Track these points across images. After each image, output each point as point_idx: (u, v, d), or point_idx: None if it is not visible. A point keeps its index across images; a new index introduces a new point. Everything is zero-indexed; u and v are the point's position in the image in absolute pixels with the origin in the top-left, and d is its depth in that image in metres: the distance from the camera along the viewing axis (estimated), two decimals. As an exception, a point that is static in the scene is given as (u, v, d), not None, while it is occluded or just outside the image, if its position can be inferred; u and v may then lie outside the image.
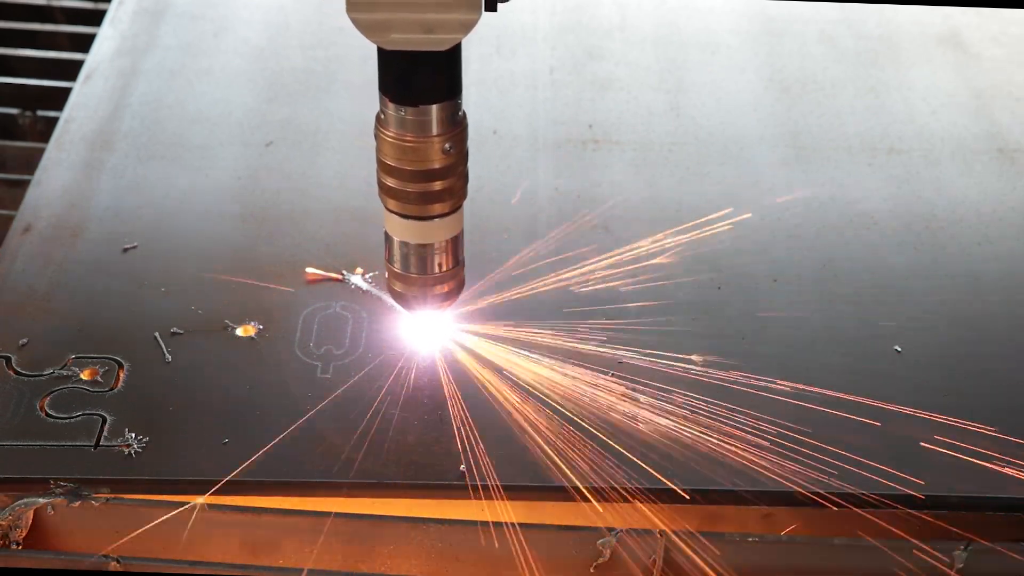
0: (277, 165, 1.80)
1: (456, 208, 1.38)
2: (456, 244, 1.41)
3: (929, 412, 1.49)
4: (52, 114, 1.98)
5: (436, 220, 1.37)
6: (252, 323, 1.56)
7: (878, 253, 1.69)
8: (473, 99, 1.92)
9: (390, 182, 1.35)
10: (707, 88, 1.95)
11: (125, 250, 1.66)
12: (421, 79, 1.29)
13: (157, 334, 1.54)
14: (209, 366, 1.51)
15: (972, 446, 1.45)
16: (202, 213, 1.72)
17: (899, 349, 1.56)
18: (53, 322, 1.56)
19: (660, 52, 2.01)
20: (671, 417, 1.46)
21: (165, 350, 1.53)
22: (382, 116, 1.32)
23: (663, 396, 1.49)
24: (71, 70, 2.02)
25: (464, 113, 1.34)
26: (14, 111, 2.05)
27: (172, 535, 1.37)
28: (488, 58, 1.98)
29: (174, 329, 1.55)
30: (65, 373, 1.50)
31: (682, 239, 1.69)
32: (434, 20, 1.22)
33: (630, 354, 1.54)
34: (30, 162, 1.87)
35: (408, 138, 1.32)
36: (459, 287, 1.45)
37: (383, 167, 1.35)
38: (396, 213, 1.37)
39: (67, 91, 1.93)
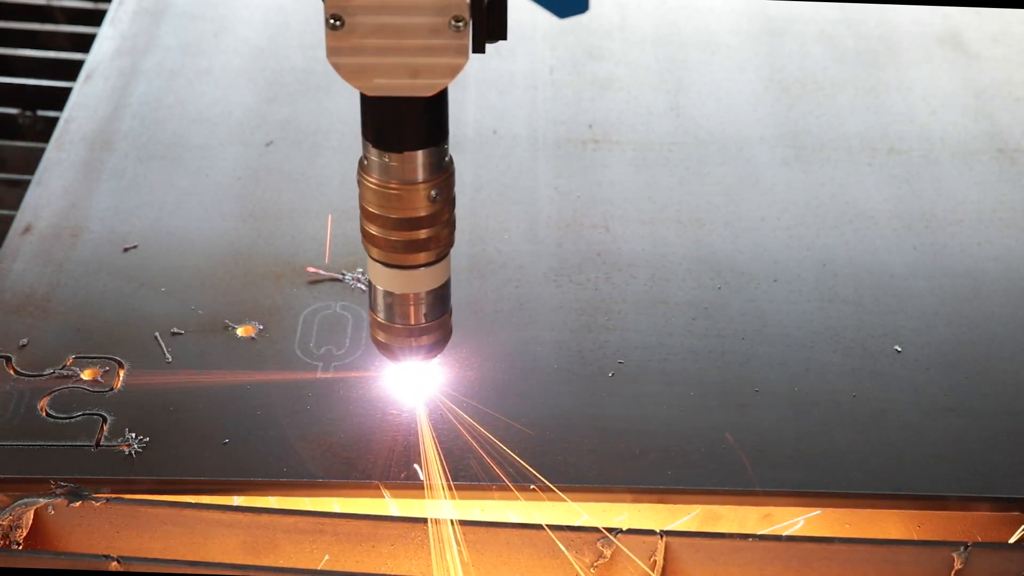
0: (277, 165, 1.80)
1: (442, 257, 1.31)
2: (443, 293, 1.34)
3: (929, 412, 1.49)
4: (52, 114, 1.98)
5: (422, 269, 1.30)
6: (252, 323, 1.56)
7: (878, 253, 1.69)
8: (473, 99, 1.92)
9: (373, 230, 1.28)
10: (707, 88, 1.95)
11: (125, 250, 1.66)
12: (406, 125, 1.23)
13: (157, 334, 1.54)
14: (209, 366, 1.51)
15: (972, 446, 1.45)
16: (202, 213, 1.72)
17: (899, 349, 1.56)
18: (53, 322, 1.56)
19: (660, 52, 2.01)
20: (670, 417, 1.46)
21: (165, 350, 1.53)
22: (365, 162, 1.26)
23: (663, 396, 1.49)
24: (71, 70, 2.02)
25: (451, 158, 1.27)
26: (14, 111, 2.05)
27: (172, 535, 1.37)
28: (488, 58, 1.96)
29: (174, 329, 1.55)
30: (65, 373, 1.50)
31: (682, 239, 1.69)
32: (420, 64, 1.17)
33: (629, 354, 1.54)
34: (30, 162, 1.87)
35: (392, 185, 1.25)
36: (446, 337, 1.37)
37: (366, 214, 1.28)
38: (380, 262, 1.30)
39: (67, 91, 1.93)
